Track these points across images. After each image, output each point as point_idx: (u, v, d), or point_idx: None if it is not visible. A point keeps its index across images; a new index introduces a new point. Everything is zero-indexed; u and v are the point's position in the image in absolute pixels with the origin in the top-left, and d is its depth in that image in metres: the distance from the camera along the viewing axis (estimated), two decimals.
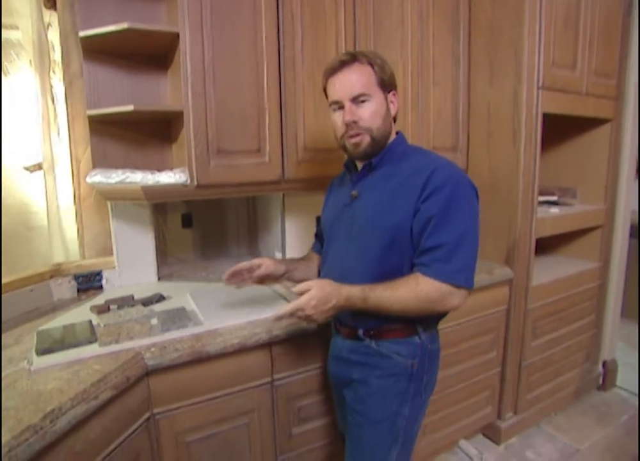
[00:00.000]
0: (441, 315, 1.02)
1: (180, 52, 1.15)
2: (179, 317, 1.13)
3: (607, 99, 1.88)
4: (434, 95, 1.67)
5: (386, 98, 0.95)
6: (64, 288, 1.39)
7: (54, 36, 1.57)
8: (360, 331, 1.00)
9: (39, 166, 1.67)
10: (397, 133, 1.03)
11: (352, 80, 0.92)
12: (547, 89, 1.61)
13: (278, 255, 1.80)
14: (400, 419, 0.98)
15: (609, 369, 2.25)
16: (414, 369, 0.97)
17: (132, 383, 0.92)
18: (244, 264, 1.13)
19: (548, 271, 1.91)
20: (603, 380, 2.25)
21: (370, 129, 0.93)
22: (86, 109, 1.33)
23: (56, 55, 1.58)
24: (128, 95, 1.35)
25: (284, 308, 0.91)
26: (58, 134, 1.59)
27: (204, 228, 2.00)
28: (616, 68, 1.89)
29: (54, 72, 1.60)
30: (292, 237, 1.78)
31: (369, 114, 0.92)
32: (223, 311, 1.20)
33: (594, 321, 2.13)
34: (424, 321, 0.98)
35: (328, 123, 1.04)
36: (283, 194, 1.69)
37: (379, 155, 0.98)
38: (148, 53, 1.33)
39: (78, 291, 1.43)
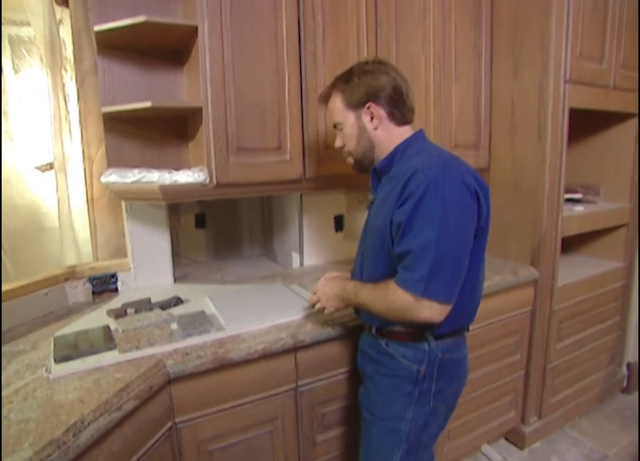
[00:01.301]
0: (457, 324, 0.97)
1: (199, 47, 1.11)
2: (200, 321, 1.08)
3: (634, 93, 1.82)
4: (456, 91, 1.62)
5: (358, 117, 0.97)
6: (79, 291, 1.35)
7: (65, 33, 1.53)
8: (373, 329, 1.01)
9: (50, 166, 1.63)
10: (417, 131, 1.00)
11: (329, 111, 1.05)
12: (574, 82, 1.55)
13: (295, 256, 1.76)
14: (403, 422, 0.97)
15: (633, 372, 2.18)
16: (420, 374, 0.95)
17: (154, 392, 0.88)
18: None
19: (572, 271, 1.85)
20: (627, 383, 2.19)
21: (349, 152, 1.03)
22: (99, 107, 1.29)
23: (68, 52, 1.54)
24: (143, 92, 1.31)
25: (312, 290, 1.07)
26: (70, 133, 1.55)
27: (217, 228, 1.96)
28: None
29: (65, 69, 1.57)
30: (310, 237, 1.74)
31: (345, 139, 1.02)
32: (244, 314, 1.16)
33: (619, 323, 2.07)
34: (435, 328, 0.93)
35: None
36: (301, 193, 1.64)
37: (383, 160, 0.99)
38: (164, 48, 1.29)
39: (93, 293, 1.39)
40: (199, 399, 0.99)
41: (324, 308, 1.05)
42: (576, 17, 1.51)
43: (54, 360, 0.89)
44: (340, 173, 1.38)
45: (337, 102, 1.00)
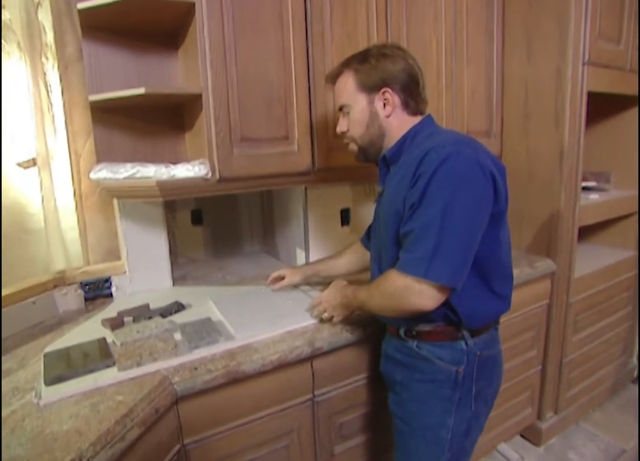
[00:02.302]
0: (493, 316, 0.92)
1: (197, 25, 0.99)
2: (206, 330, 0.99)
3: None
4: (467, 75, 1.53)
5: (371, 102, 0.90)
6: (70, 298, 1.24)
7: (44, 17, 1.39)
8: (402, 331, 0.94)
9: (33, 162, 1.51)
10: (426, 116, 0.94)
11: (337, 91, 0.96)
12: (592, 65, 1.47)
13: (300, 253, 1.66)
14: (444, 430, 0.90)
15: None
16: (459, 376, 0.88)
17: (160, 414, 0.78)
18: (274, 274, 1.29)
19: (585, 261, 1.78)
20: (639, 373, 2.16)
21: (354, 138, 0.95)
22: (86, 97, 1.17)
23: (48, 38, 1.41)
24: (134, 78, 1.19)
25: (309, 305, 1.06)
26: (54, 125, 1.42)
27: (215, 224, 1.86)
28: None
29: (46, 57, 1.43)
30: (316, 232, 1.64)
31: (351, 124, 0.94)
32: (254, 320, 1.07)
33: (630, 313, 2.03)
34: (471, 323, 0.87)
35: None
36: (306, 186, 1.54)
37: (393, 147, 0.92)
38: (157, 30, 1.17)
39: (85, 300, 1.28)
40: (209, 417, 0.90)
41: (331, 318, 1.03)
42: None
43: (45, 382, 0.79)
44: (350, 165, 1.27)
45: (349, 82, 0.91)
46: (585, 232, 2.06)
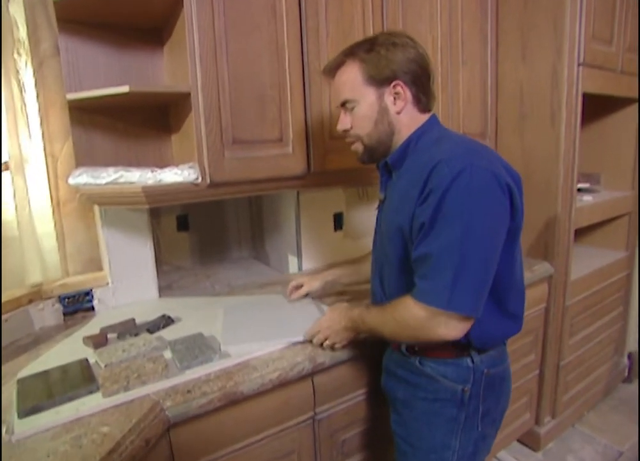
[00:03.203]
0: (504, 334, 0.87)
1: (185, 18, 0.92)
2: (199, 347, 0.91)
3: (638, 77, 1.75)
4: (463, 75, 1.49)
5: (380, 96, 0.82)
6: (48, 313, 1.15)
7: (16, 10, 1.30)
8: (403, 346, 0.88)
9: (5, 166, 1.40)
10: (430, 116, 0.86)
11: (339, 85, 0.86)
12: (587, 66, 1.46)
13: (293, 259, 1.60)
14: (449, 452, 0.85)
15: (634, 361, 2.16)
16: (465, 395, 0.82)
17: (151, 445, 0.71)
18: (293, 283, 1.21)
19: (579, 264, 1.77)
20: (629, 372, 2.17)
21: (359, 136, 0.86)
22: (63, 97, 1.08)
23: (21, 33, 1.31)
24: (116, 76, 1.11)
25: (307, 333, 0.96)
26: (28, 127, 1.32)
27: (202, 230, 1.78)
28: None
29: (19, 53, 1.33)
30: (308, 237, 1.58)
31: (357, 120, 0.85)
32: (250, 335, 1.00)
33: (622, 313, 2.03)
34: (480, 340, 0.82)
35: None
36: (298, 190, 1.48)
37: (396, 152, 0.85)
38: (140, 24, 1.09)
39: (64, 315, 1.19)
40: (203, 444, 0.83)
41: (333, 345, 0.94)
42: None
43: (18, 414, 0.70)
44: (347, 168, 1.22)
45: (354, 74, 0.81)
46: (576, 234, 2.06)
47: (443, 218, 0.70)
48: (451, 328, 0.73)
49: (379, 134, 0.84)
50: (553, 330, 1.63)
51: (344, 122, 0.87)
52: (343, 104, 0.86)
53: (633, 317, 2.11)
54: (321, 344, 0.95)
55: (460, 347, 0.82)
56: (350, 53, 0.82)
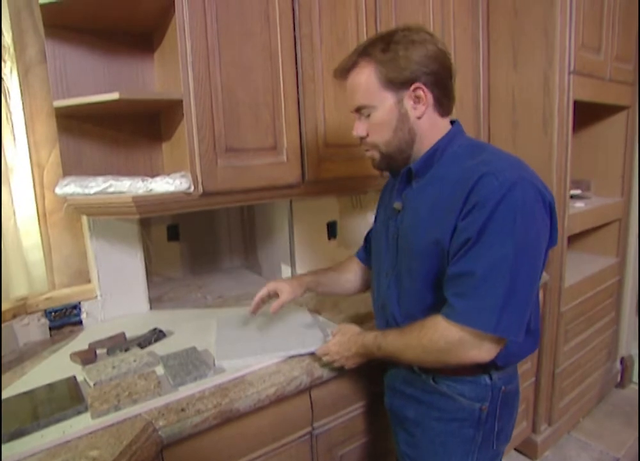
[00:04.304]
0: (522, 356, 0.83)
1: (177, 26, 0.90)
2: (192, 362, 0.88)
3: (626, 85, 1.78)
4: (456, 82, 1.49)
5: (399, 100, 0.75)
6: (33, 328, 1.10)
7: (1, 16, 1.27)
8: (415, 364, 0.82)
9: None
10: (452, 123, 0.82)
11: (352, 89, 0.78)
12: (577, 74, 1.47)
13: (286, 268, 1.58)
14: None
15: (626, 366, 2.17)
16: (483, 414, 0.78)
17: None
18: (262, 293, 1.04)
19: (573, 270, 1.78)
20: (621, 377, 2.18)
21: (376, 144, 0.79)
22: (50, 104, 1.05)
23: (6, 39, 1.28)
24: (105, 83, 1.08)
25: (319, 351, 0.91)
26: (13, 135, 1.29)
27: (192, 240, 1.75)
28: (634, 52, 1.79)
29: (3, 59, 1.30)
30: (301, 246, 1.56)
31: (373, 128, 0.78)
32: (245, 348, 0.96)
33: (614, 318, 2.05)
34: (503, 360, 0.77)
35: (349, 114, 0.83)
36: (291, 199, 1.46)
37: (420, 160, 0.78)
38: (130, 30, 1.07)
39: (50, 329, 1.14)
40: None
41: (342, 366, 0.90)
42: (579, 4, 1.43)
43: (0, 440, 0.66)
44: (342, 176, 1.21)
45: (370, 77, 0.74)
46: (568, 240, 2.07)
47: (493, 234, 0.65)
48: (485, 351, 0.68)
49: (399, 142, 0.78)
50: (549, 337, 1.63)
51: (360, 129, 0.80)
52: (357, 110, 0.79)
53: (625, 321, 2.13)
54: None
55: (482, 365, 0.76)
56: (364, 53, 0.75)
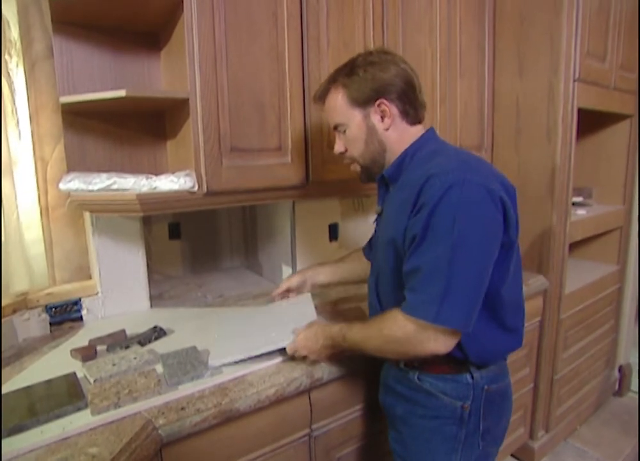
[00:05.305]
0: (504, 350, 0.86)
1: (185, 25, 0.91)
2: (191, 362, 0.88)
3: (630, 94, 1.78)
4: (460, 88, 1.50)
5: (366, 116, 0.84)
6: (33, 323, 1.10)
7: (8, 10, 1.27)
8: (402, 361, 0.85)
9: None
10: (428, 130, 0.88)
11: (328, 111, 0.90)
12: (582, 81, 1.48)
13: (287, 269, 1.58)
14: None
15: (625, 374, 2.17)
16: (465, 412, 0.81)
17: None
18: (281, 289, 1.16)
19: (573, 277, 1.78)
20: (619, 386, 2.18)
21: (354, 158, 0.90)
22: (55, 99, 1.05)
23: (13, 33, 1.28)
24: (111, 80, 1.08)
25: (288, 350, 0.92)
26: (18, 129, 1.29)
27: (194, 239, 1.75)
28: (639, 61, 1.79)
29: (10, 54, 1.30)
30: (303, 248, 1.56)
31: (349, 143, 0.88)
32: (245, 348, 0.96)
33: (614, 326, 2.05)
34: (478, 356, 0.81)
35: None
36: (294, 200, 1.46)
37: (391, 166, 0.87)
38: (137, 28, 1.07)
39: (51, 325, 1.14)
40: None
41: (304, 356, 0.91)
42: (585, 13, 1.43)
43: None
44: (345, 178, 1.21)
45: (339, 99, 0.85)
46: (570, 247, 2.08)
47: (433, 232, 0.70)
48: (440, 342, 0.72)
49: (371, 154, 0.86)
50: (548, 344, 1.63)
51: (339, 145, 0.90)
52: (335, 128, 0.89)
53: (624, 329, 2.13)
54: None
55: (458, 362, 0.81)
56: (332, 80, 0.86)
